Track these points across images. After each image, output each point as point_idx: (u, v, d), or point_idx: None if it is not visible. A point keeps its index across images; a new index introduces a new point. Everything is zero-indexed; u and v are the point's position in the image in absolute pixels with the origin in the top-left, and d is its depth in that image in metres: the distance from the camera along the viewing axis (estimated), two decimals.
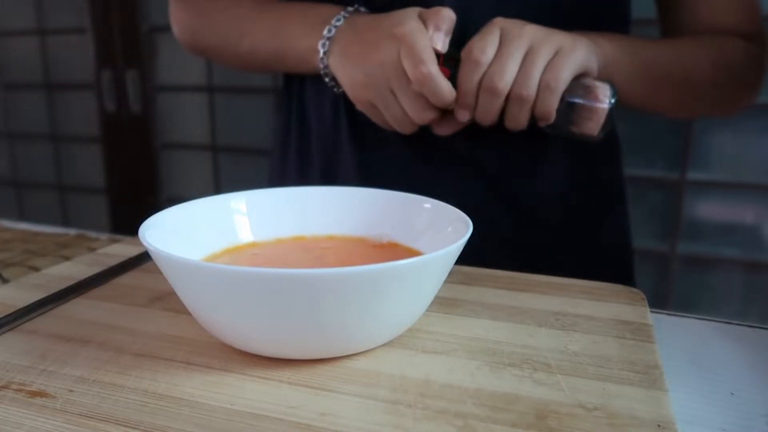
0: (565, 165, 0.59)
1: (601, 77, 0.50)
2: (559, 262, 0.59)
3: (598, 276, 0.45)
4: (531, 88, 0.47)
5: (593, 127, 0.48)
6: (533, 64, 0.47)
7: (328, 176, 0.63)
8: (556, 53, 0.47)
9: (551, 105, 0.48)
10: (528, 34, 0.47)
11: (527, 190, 0.59)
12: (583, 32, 0.51)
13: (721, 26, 0.58)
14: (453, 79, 0.49)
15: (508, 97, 0.48)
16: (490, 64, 0.47)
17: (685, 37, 0.59)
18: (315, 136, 0.63)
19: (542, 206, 0.59)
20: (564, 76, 0.47)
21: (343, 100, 0.59)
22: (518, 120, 0.49)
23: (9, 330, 0.36)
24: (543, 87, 0.47)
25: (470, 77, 0.48)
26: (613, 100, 0.48)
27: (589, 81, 0.49)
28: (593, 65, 0.50)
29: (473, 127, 0.52)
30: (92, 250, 0.52)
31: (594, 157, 0.61)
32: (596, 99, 0.48)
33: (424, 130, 0.54)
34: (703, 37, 0.58)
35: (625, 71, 0.53)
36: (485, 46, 0.47)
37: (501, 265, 0.46)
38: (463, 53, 0.48)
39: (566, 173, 0.59)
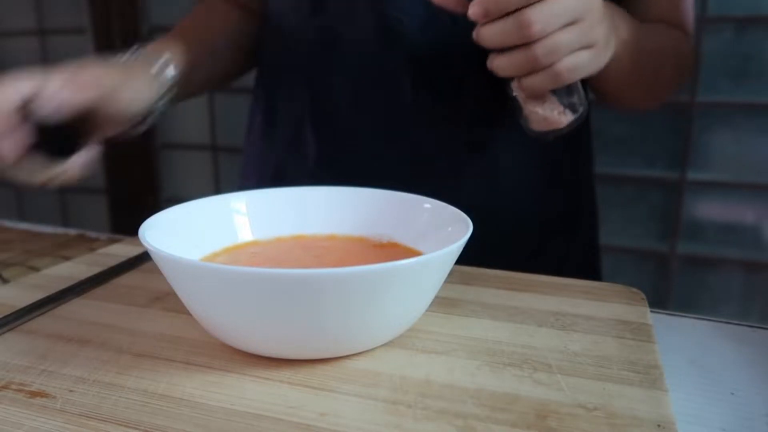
0: (528, 149, 0.57)
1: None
2: (520, 251, 0.58)
3: (561, 270, 0.45)
4: (552, 56, 0.41)
5: (550, 133, 0.47)
6: (570, 39, 0.41)
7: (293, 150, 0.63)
8: (589, 46, 0.43)
9: (545, 87, 0.43)
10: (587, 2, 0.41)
11: (486, 172, 0.57)
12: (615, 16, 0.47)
13: (669, 19, 0.58)
14: None
15: (524, 44, 0.41)
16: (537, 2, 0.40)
17: (659, 25, 0.57)
18: (280, 116, 0.65)
19: (502, 189, 0.57)
20: (576, 77, 0.43)
21: (309, 100, 0.60)
22: (513, 65, 0.42)
23: (9, 330, 0.36)
24: (558, 69, 0.41)
25: None
26: (581, 109, 0.46)
27: (561, 99, 0.46)
28: (595, 73, 0.46)
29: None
30: (92, 250, 0.52)
31: (563, 147, 0.60)
32: (556, 122, 0.46)
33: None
34: (665, 27, 0.58)
35: (620, 70, 0.51)
36: None
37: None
38: None
39: (528, 157, 0.58)
